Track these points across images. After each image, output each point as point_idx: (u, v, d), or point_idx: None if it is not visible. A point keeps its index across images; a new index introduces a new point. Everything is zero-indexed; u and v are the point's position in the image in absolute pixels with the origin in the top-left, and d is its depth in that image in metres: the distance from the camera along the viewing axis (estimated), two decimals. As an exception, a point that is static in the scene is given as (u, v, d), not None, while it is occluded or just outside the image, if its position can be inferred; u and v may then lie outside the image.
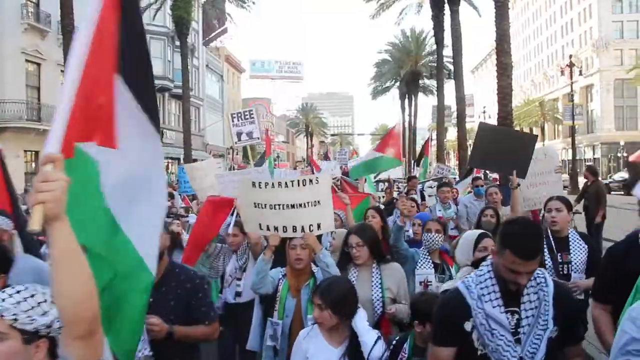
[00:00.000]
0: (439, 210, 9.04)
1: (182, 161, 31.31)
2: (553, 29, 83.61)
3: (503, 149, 6.98)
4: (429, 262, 5.28)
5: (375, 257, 4.50)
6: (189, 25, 31.09)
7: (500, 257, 2.67)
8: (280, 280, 4.35)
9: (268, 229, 4.37)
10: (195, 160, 23.35)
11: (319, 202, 4.17)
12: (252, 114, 12.64)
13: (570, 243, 4.94)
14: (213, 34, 52.96)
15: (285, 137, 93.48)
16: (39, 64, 29.10)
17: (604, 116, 69.54)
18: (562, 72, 44.63)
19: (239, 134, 12.46)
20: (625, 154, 62.41)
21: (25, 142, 27.34)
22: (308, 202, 4.18)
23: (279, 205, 4.26)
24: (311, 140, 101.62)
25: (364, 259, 4.43)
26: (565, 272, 4.83)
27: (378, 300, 4.33)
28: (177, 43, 33.41)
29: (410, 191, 11.41)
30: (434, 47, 34.31)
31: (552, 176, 7.16)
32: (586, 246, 4.92)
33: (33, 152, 28.68)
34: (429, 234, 5.40)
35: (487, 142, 7.28)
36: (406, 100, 59.39)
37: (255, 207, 4.37)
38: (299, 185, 4.20)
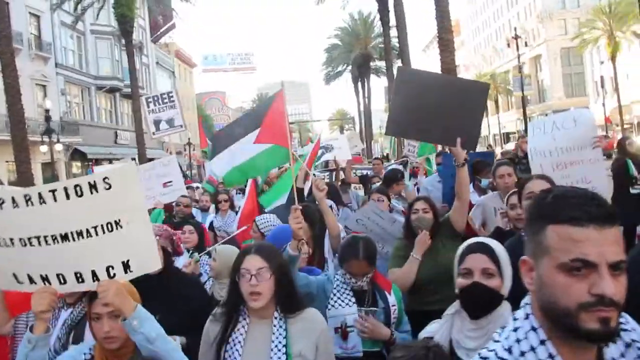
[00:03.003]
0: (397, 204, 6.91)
1: (136, 161, 30.91)
2: (499, 3, 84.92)
3: (438, 106, 4.54)
4: (346, 292, 3.43)
5: (280, 300, 2.73)
6: (133, 23, 30.61)
7: (544, 258, 1.30)
8: None
9: (31, 281, 2.49)
10: (151, 160, 23.07)
11: (119, 222, 2.36)
12: (172, 97, 10.86)
13: None
14: (161, 30, 52.20)
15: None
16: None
17: (553, 85, 71.37)
18: (509, 45, 45.57)
19: (157, 122, 10.75)
20: (575, 120, 64.03)
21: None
22: (97, 226, 2.36)
23: (37, 237, 2.38)
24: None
25: (266, 299, 2.65)
26: None
27: None
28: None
29: (374, 178, 9.34)
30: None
31: (589, 152, 5.01)
32: None
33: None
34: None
35: (412, 97, 4.68)
36: (359, 84, 59.82)
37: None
38: (68, 196, 2.31)
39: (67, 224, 2.35)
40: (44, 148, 26.87)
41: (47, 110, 27.02)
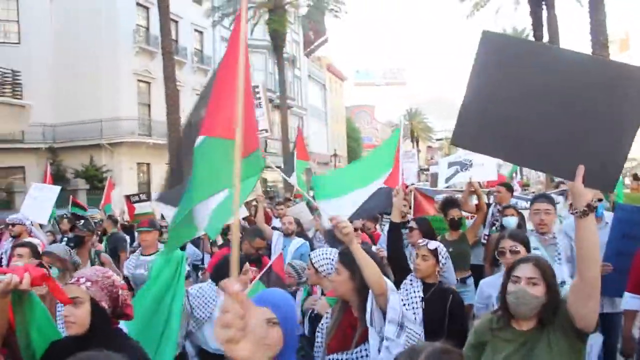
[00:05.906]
0: (535, 249, 4.19)
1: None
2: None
3: (549, 105, 2.37)
4: None
5: None
6: (284, 38, 32.11)
7: None
8: None
9: None
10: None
11: None
12: (258, 92, 8.57)
13: None
14: (314, 44, 54.15)
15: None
16: (149, 83, 31.42)
17: None
18: (685, 61, 41.10)
19: None
20: None
21: (137, 155, 29.64)
22: None
23: None
24: (417, 146, 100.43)
25: None
26: None
27: None
28: (280, 55, 34.67)
29: (505, 210, 6.08)
30: (536, 43, 33.00)
31: None
32: None
33: (145, 164, 30.93)
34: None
35: (501, 84, 2.42)
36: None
37: None
38: None
39: None
40: (197, 153, 29.11)
41: (202, 119, 29.25)
